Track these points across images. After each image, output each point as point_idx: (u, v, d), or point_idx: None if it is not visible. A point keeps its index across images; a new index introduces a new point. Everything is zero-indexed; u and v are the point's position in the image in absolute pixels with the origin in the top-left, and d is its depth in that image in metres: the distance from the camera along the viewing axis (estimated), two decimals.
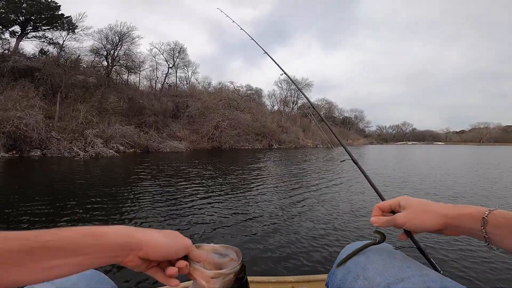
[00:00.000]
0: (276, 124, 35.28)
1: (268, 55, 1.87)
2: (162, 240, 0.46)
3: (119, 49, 23.53)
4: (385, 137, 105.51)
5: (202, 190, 6.20)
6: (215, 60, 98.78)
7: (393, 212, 0.64)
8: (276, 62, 1.71)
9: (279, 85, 49.70)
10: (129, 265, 0.43)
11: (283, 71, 1.67)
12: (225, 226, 3.76)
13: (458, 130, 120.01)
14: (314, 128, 46.19)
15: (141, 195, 5.59)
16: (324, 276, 0.88)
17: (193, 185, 6.75)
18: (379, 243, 0.64)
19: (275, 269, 2.56)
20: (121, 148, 15.65)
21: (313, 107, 1.49)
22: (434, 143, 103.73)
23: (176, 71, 32.86)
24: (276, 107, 50.46)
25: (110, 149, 14.42)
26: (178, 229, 3.75)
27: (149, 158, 13.86)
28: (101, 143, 13.91)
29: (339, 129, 56.10)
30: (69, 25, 22.92)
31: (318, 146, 38.82)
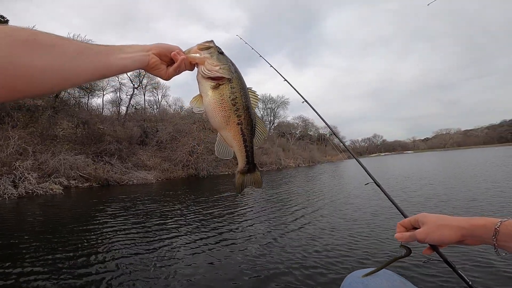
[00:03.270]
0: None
1: (288, 81, 1.78)
2: (161, 43, 0.67)
3: None
4: (359, 151, 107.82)
5: (175, 233, 4.77)
6: (188, 85, 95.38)
7: (414, 228, 0.70)
8: (295, 88, 1.66)
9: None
10: (154, 64, 0.65)
11: (303, 98, 1.64)
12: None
13: (423, 138, 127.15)
14: (293, 147, 45.00)
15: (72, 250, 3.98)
16: None
17: (162, 228, 5.12)
18: (405, 256, 0.69)
19: None
20: (73, 182, 12.44)
21: (335, 134, 1.59)
22: (404, 152, 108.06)
23: (144, 93, 30.17)
24: None
25: (54, 184, 11.15)
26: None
27: (107, 193, 10.90)
28: (34, 177, 10.55)
29: (317, 146, 55.58)
30: None
31: (300, 165, 37.32)
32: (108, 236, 4.65)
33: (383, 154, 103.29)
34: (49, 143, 14.10)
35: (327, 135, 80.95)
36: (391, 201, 0.97)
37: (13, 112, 15.41)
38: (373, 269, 0.73)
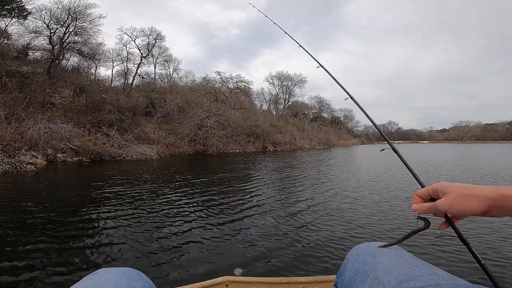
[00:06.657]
0: (269, 123, 30.86)
1: (306, 50, 1.91)
2: None
3: (72, 31, 18.01)
4: (371, 137, 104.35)
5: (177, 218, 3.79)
6: (200, 62, 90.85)
7: (432, 199, 0.63)
8: (317, 60, 1.75)
9: (270, 80, 45.58)
10: None
11: (323, 68, 1.68)
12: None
13: (440, 129, 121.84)
14: (308, 127, 42.48)
15: None
16: (334, 277, 0.86)
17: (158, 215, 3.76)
18: (425, 229, 0.65)
19: (286, 270, 2.42)
20: (60, 156, 10.63)
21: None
22: (420, 141, 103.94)
23: (154, 65, 27.84)
24: (265, 107, 46.18)
25: (30, 157, 9.19)
26: None
27: (96, 170, 9.07)
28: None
29: (332, 129, 52.93)
30: (20, 11, 17.61)
31: (315, 147, 35.14)
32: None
33: (396, 142, 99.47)
34: (36, 110, 12.00)
35: (341, 118, 77.85)
36: (407, 167, 0.90)
37: (6, 78, 13.55)
38: (386, 243, 0.68)
